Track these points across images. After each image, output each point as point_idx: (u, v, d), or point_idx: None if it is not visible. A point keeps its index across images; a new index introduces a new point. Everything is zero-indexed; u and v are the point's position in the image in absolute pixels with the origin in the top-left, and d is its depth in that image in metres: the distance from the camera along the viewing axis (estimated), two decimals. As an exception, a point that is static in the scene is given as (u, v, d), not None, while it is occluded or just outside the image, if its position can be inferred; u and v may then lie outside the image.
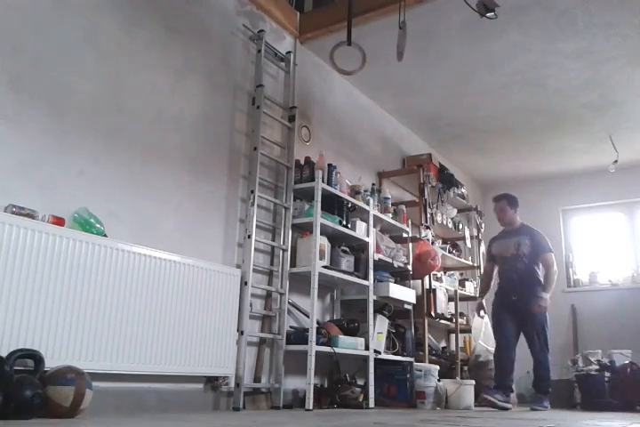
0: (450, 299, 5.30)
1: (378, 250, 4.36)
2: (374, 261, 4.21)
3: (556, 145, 6.01)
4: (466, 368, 5.11)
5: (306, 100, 4.30)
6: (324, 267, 3.67)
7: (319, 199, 3.68)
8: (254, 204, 3.49)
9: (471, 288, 5.83)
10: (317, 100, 4.46)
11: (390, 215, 4.62)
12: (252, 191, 3.52)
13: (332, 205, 3.90)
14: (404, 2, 3.31)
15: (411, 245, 4.81)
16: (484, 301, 4.77)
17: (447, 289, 5.30)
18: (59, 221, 2.45)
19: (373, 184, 4.74)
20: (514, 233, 4.56)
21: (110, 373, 2.53)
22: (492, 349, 4.65)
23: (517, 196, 4.72)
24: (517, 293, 4.42)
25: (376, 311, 4.16)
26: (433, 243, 4.99)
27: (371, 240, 4.19)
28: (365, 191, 4.35)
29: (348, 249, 4.00)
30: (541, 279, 4.43)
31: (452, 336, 5.48)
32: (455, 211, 5.71)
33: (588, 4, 3.72)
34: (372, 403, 3.88)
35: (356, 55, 3.34)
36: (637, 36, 4.05)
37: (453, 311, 5.21)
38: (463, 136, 5.87)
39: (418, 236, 4.87)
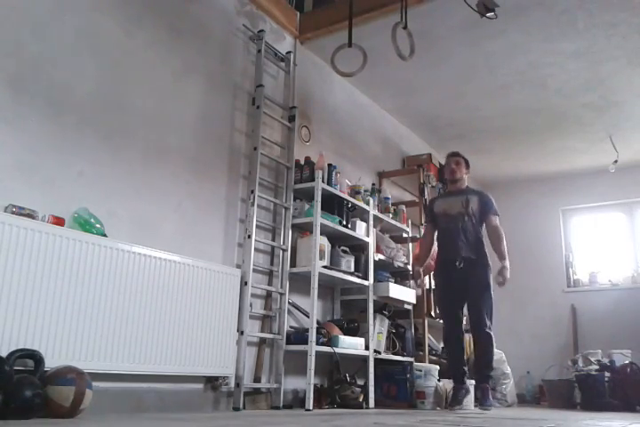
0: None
1: (378, 250, 4.36)
2: (374, 261, 4.22)
3: (556, 145, 6.01)
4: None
5: (306, 100, 4.30)
6: (324, 267, 3.67)
7: (319, 199, 3.68)
8: (254, 204, 3.49)
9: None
10: (317, 100, 4.46)
11: (390, 215, 4.62)
12: (252, 191, 3.52)
13: (332, 205, 3.91)
14: (405, 2, 3.31)
15: (411, 245, 4.82)
16: (421, 269, 4.18)
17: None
18: (59, 221, 2.45)
19: (373, 184, 4.75)
20: (460, 192, 4.10)
21: (110, 373, 2.53)
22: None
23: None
24: (463, 258, 3.85)
25: (376, 311, 4.17)
26: (433, 243, 5.00)
27: (371, 240, 4.20)
28: (365, 191, 4.35)
29: (347, 249, 4.00)
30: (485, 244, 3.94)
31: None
32: (455, 211, 5.70)
33: (588, 3, 3.73)
34: (371, 403, 3.89)
35: (356, 56, 3.33)
36: (637, 36, 4.05)
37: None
38: (463, 136, 5.87)
39: (418, 236, 4.87)
